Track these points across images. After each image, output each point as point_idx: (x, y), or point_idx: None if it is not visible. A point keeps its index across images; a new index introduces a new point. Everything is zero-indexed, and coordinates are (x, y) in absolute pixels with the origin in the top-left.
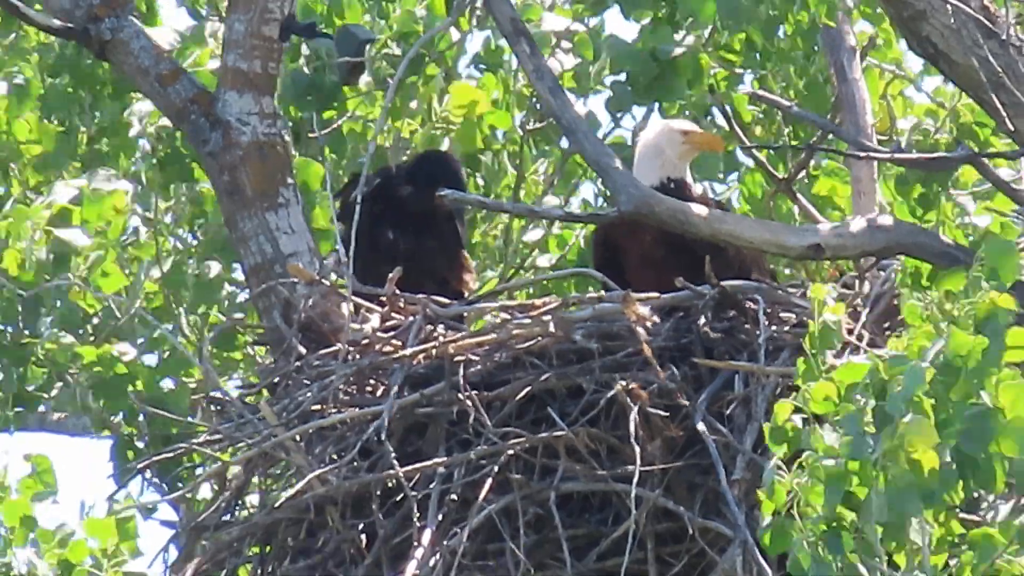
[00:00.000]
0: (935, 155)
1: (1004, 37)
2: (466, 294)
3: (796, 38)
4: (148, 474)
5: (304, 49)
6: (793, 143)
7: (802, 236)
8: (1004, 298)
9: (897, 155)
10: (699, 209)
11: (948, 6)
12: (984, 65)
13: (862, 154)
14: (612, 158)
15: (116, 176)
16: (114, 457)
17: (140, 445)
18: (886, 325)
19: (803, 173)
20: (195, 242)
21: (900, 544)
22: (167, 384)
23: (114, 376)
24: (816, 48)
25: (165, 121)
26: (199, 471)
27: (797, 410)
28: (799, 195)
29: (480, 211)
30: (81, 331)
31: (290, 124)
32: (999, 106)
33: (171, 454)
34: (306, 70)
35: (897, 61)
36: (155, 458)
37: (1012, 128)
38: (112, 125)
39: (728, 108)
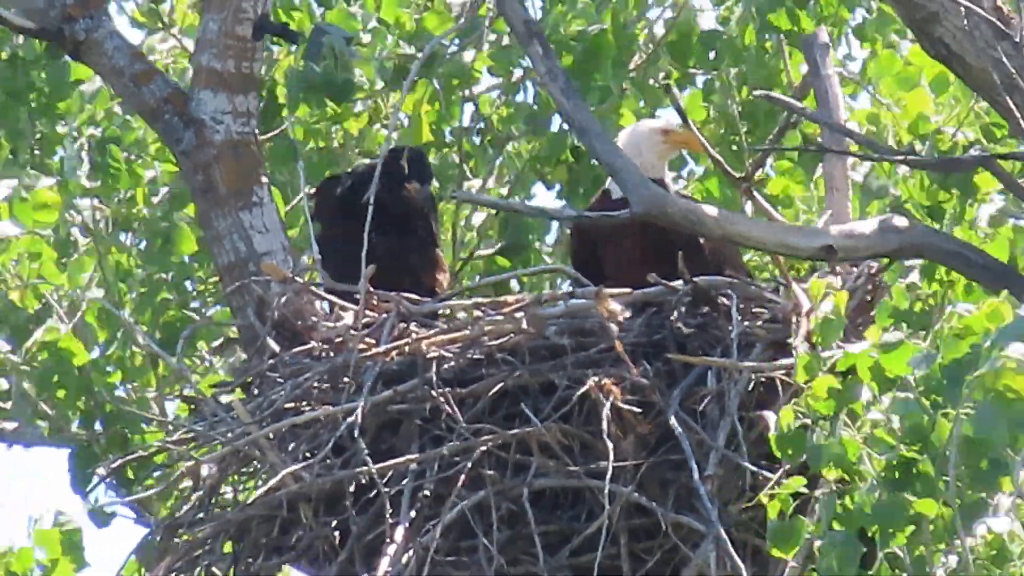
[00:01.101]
0: (949, 157)
1: (1018, 39)
2: (439, 292)
3: (748, 33)
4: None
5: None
6: (749, 140)
7: (814, 237)
8: None
9: (911, 157)
10: (710, 210)
11: (961, 8)
12: (997, 67)
13: (875, 156)
14: (624, 159)
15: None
16: (72, 466)
17: (99, 453)
18: (859, 320)
19: (759, 172)
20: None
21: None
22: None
23: (59, 364)
24: (767, 47)
25: (94, 130)
26: (157, 473)
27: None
28: (756, 194)
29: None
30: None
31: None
32: (1012, 107)
33: (144, 453)
34: (316, 68)
35: (840, 64)
36: (127, 458)
37: None
38: (51, 135)
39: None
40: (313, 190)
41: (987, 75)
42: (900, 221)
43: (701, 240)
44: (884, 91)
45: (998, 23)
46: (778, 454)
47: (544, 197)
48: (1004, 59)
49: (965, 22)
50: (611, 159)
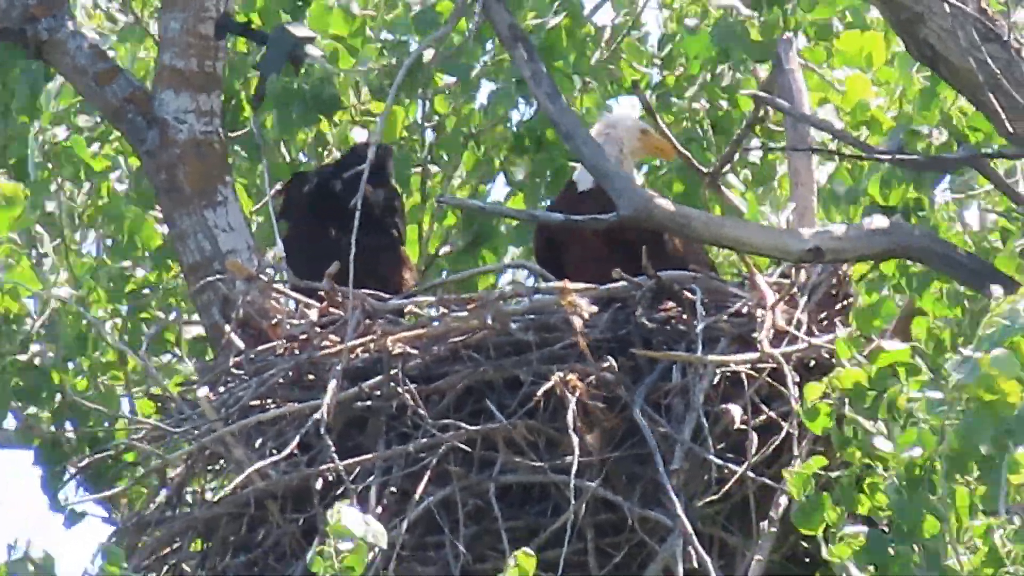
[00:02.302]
0: (936, 156)
1: (1007, 39)
2: (405, 290)
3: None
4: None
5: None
6: (714, 135)
7: (802, 240)
8: None
9: (899, 156)
10: (698, 213)
11: (946, 6)
12: (982, 67)
13: (864, 155)
14: (611, 162)
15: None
16: (39, 462)
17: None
18: (823, 315)
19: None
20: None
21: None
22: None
23: (31, 376)
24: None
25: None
26: (125, 472)
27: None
28: (723, 188)
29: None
30: None
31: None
32: (998, 108)
33: (112, 452)
34: (304, 84)
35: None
36: (94, 457)
37: (1011, 130)
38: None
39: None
40: (280, 186)
41: (972, 76)
42: (887, 223)
43: (664, 236)
44: (831, 74)
45: (985, 22)
46: (808, 425)
47: (503, 190)
48: (988, 60)
49: (950, 23)
50: (598, 163)
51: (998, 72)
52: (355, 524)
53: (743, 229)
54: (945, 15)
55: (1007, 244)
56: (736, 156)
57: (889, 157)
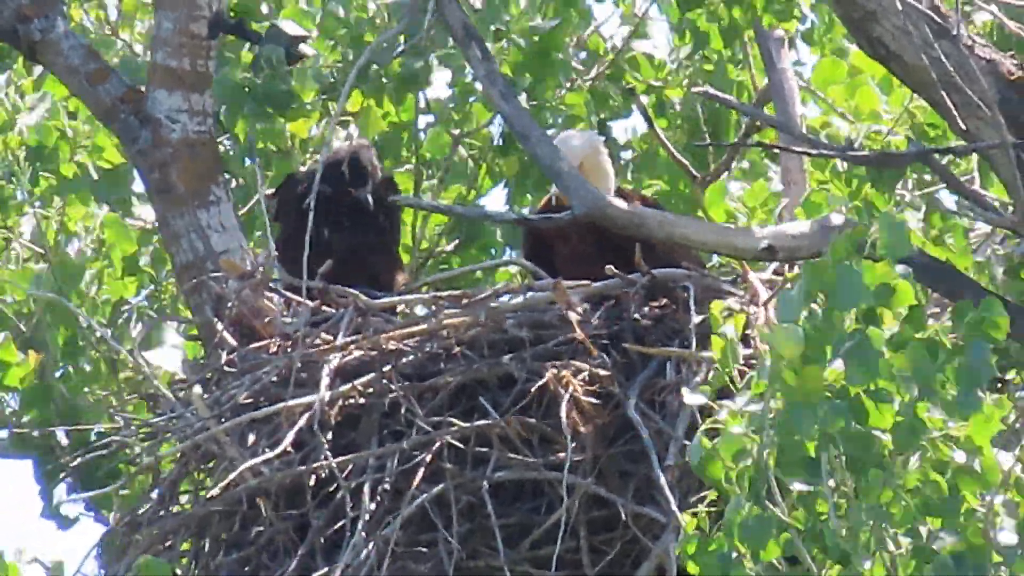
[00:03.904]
0: (886, 152)
1: (955, 33)
2: (396, 290)
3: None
4: (71, 480)
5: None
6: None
7: (755, 238)
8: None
9: (848, 152)
10: (652, 212)
11: (898, 3)
12: (936, 65)
13: (813, 151)
14: (565, 162)
15: None
16: (38, 476)
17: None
18: None
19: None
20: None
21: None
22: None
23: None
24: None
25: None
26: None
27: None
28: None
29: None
30: None
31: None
32: (951, 106)
33: (103, 451)
34: (257, 79)
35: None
36: (86, 456)
37: (964, 128)
38: None
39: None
40: (273, 190)
41: (926, 74)
42: (840, 220)
43: None
44: (835, 98)
45: (936, 19)
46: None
47: (499, 194)
48: (943, 57)
49: (903, 20)
50: (552, 162)
51: (951, 70)
52: None
53: (696, 227)
54: (898, 13)
55: (958, 241)
56: (733, 164)
57: (839, 154)
